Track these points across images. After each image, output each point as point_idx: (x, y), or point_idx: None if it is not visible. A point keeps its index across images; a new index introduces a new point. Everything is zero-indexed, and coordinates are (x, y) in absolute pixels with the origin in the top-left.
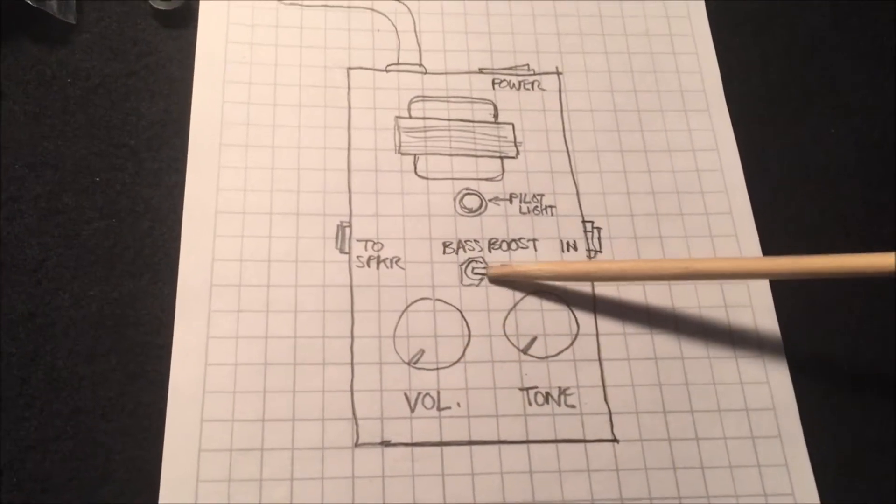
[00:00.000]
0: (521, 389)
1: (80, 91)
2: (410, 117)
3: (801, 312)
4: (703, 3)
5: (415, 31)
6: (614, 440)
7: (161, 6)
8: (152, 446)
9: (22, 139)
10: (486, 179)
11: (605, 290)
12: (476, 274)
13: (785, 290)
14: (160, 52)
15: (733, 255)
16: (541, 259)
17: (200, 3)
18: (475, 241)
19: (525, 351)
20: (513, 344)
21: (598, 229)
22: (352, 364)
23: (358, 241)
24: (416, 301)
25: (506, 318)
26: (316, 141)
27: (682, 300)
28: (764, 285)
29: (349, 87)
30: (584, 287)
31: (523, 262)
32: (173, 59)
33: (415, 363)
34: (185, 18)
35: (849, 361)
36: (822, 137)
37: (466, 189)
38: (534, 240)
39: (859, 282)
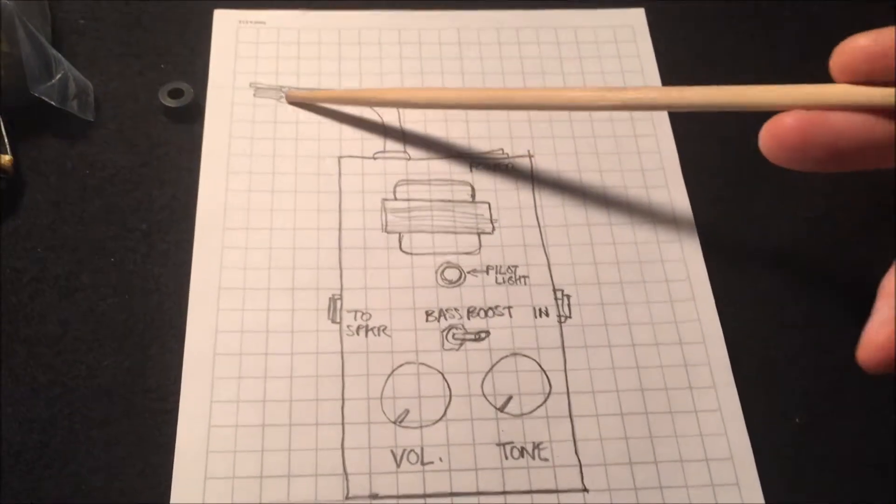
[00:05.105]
0: (499, 444)
1: (97, 181)
2: (396, 199)
3: (757, 367)
4: None
5: (399, 122)
6: (584, 490)
7: (171, 104)
8: (161, 503)
9: (44, 224)
10: (465, 253)
11: (576, 352)
12: (456, 339)
13: (742, 354)
14: (170, 145)
15: (692, 321)
16: (515, 325)
17: (207, 101)
18: (455, 309)
19: (502, 409)
20: (490, 403)
21: (568, 297)
22: (342, 424)
23: (348, 311)
24: (401, 365)
25: (483, 379)
26: (310, 223)
27: (645, 359)
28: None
29: (340, 174)
30: (556, 349)
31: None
32: (182, 150)
33: (400, 422)
34: (192, 115)
35: (808, 420)
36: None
37: (447, 263)
38: (509, 307)
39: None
